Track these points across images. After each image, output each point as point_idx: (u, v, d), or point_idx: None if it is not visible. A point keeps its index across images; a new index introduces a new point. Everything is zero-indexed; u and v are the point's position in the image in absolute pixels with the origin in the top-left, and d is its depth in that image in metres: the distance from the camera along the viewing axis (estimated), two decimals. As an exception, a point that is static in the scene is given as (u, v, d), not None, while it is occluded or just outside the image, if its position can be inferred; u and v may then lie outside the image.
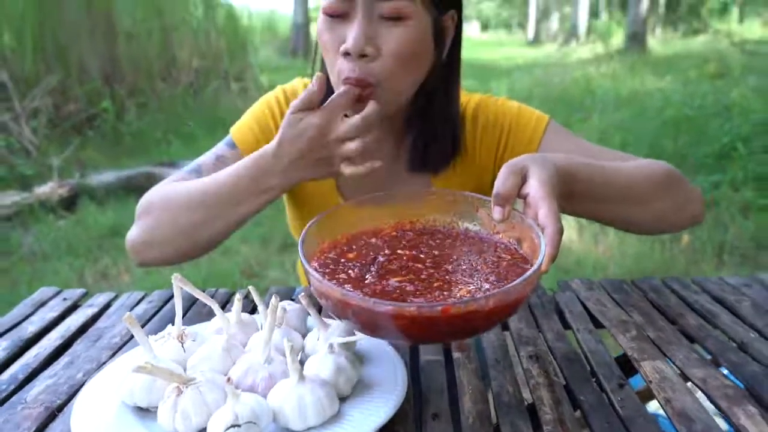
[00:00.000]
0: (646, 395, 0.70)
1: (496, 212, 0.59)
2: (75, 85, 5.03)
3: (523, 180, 0.61)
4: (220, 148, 0.91)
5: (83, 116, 5.05)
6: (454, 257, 0.61)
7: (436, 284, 0.56)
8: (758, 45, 8.21)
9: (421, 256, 0.61)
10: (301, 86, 0.93)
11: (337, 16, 0.76)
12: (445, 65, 0.83)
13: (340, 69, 0.76)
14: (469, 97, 0.92)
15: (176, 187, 0.82)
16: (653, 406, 0.93)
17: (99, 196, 3.64)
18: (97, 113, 5.08)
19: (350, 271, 0.58)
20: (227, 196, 0.77)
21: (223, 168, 0.81)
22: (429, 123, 0.86)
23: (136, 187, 3.78)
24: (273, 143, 0.74)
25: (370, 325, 0.52)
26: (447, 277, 0.57)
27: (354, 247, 0.63)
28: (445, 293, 0.54)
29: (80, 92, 5.05)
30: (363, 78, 0.75)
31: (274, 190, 0.76)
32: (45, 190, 3.61)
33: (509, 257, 0.60)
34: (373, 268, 0.59)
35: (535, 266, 0.52)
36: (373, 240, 0.64)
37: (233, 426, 0.49)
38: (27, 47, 4.79)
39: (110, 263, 2.82)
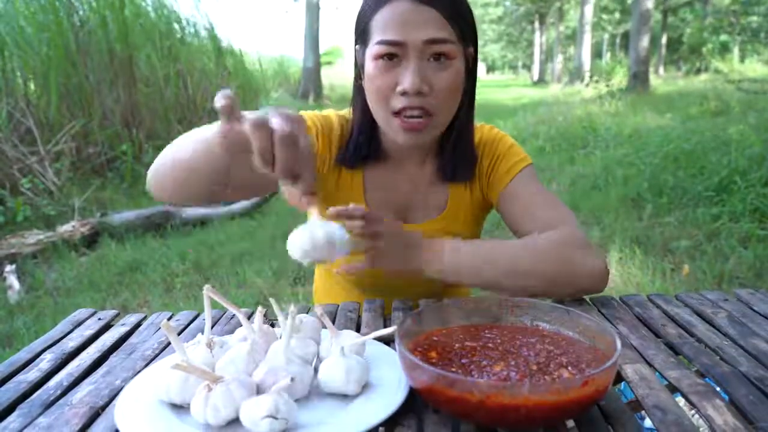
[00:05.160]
0: (636, 406, 0.76)
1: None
2: (96, 129, 5.20)
3: None
4: None
5: (104, 159, 5.21)
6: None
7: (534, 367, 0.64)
8: (755, 83, 8.29)
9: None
10: (334, 117, 1.03)
11: (390, 58, 0.86)
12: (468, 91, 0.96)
13: (395, 105, 0.87)
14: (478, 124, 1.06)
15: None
16: (648, 423, 0.98)
17: (119, 233, 3.74)
18: (116, 156, 5.24)
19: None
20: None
21: None
22: (458, 141, 0.98)
23: (155, 225, 3.90)
24: None
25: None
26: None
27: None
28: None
29: (101, 136, 5.22)
30: (423, 107, 0.87)
31: None
32: (67, 228, 3.70)
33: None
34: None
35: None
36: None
37: (270, 416, 0.56)
38: (52, 95, 4.97)
39: (130, 297, 2.88)
